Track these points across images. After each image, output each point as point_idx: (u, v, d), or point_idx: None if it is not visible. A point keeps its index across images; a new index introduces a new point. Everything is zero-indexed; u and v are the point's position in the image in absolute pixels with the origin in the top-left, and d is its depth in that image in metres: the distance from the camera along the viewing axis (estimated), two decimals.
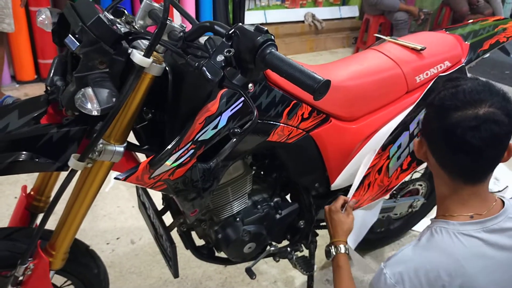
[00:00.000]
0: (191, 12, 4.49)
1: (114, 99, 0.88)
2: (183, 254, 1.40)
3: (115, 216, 2.31)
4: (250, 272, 1.53)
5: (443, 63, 1.54)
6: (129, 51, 0.94)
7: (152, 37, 0.90)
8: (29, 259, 1.10)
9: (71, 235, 1.13)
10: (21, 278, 1.13)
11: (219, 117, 1.08)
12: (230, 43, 0.88)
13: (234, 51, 0.86)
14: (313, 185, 1.48)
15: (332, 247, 1.33)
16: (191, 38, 0.98)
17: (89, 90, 0.87)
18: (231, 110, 1.10)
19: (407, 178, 1.85)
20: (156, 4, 1.12)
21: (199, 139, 1.07)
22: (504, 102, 0.98)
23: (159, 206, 1.53)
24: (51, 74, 1.05)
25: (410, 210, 1.98)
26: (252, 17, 4.96)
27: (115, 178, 1.02)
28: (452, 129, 0.98)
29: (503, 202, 1.08)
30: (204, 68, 0.87)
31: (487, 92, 0.99)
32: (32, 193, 1.30)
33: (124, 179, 1.03)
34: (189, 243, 1.52)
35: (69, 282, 1.33)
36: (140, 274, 1.96)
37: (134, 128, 1.17)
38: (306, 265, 1.59)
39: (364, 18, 5.39)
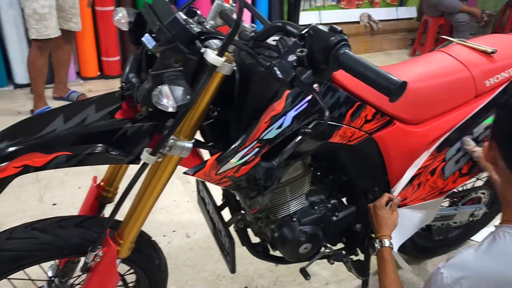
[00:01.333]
0: (247, 13, 4.55)
1: (188, 97, 0.91)
2: (236, 250, 1.43)
3: (171, 210, 2.38)
4: (304, 273, 1.53)
5: None
6: (202, 50, 0.97)
7: (225, 37, 0.92)
8: (99, 247, 1.16)
9: (138, 226, 1.18)
10: (90, 264, 1.18)
11: (284, 116, 1.10)
12: (302, 43, 0.88)
13: (307, 51, 0.87)
14: (372, 189, 1.46)
15: (377, 241, 1.34)
16: (261, 38, 1.00)
17: (166, 88, 0.90)
18: (296, 110, 1.11)
19: (469, 185, 1.79)
20: (226, 5, 1.15)
21: (264, 138, 1.08)
22: None
23: (218, 202, 1.57)
24: (126, 71, 1.11)
25: (471, 219, 1.90)
26: (307, 18, 4.94)
27: (184, 173, 1.06)
28: None
29: None
30: (275, 68, 0.88)
31: None
32: (102, 184, 1.37)
33: (193, 174, 1.06)
34: (245, 240, 1.54)
35: (131, 271, 1.38)
36: (194, 267, 2.01)
37: (200, 125, 1.20)
38: (361, 269, 1.57)
39: (422, 19, 5.23)
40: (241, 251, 1.56)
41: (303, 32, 0.89)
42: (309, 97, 1.12)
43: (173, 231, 2.23)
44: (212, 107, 1.15)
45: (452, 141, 1.43)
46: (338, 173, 1.46)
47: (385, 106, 1.29)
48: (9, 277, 1.18)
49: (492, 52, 1.46)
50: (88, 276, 1.21)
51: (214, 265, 2.02)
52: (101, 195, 1.37)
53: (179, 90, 0.91)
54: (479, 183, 1.91)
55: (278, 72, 0.88)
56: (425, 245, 1.98)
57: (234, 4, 1.17)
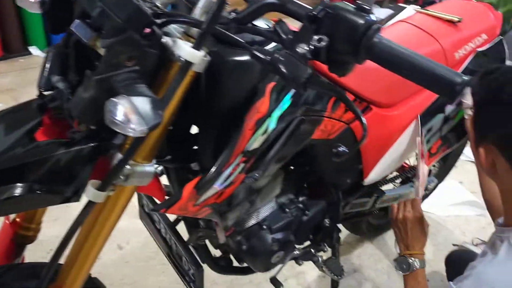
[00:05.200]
0: None
1: (160, 112, 0.63)
2: None
3: None
4: (276, 283, 1.36)
5: (480, 36, 1.38)
6: (165, 40, 0.69)
7: (205, 23, 0.65)
8: None
9: (85, 273, 0.89)
10: None
11: (269, 118, 0.86)
12: (314, 28, 0.65)
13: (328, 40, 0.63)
14: (345, 181, 1.30)
15: (412, 260, 1.18)
16: (246, 20, 0.73)
17: (126, 101, 0.61)
18: (281, 109, 0.89)
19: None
20: None
21: (249, 150, 0.84)
22: None
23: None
24: (46, 73, 0.78)
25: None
26: None
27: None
28: None
29: None
30: (280, 64, 0.64)
31: None
32: (18, 220, 1.02)
33: (165, 211, 0.79)
34: (205, 256, 1.31)
35: None
36: (134, 285, 1.74)
37: None
38: (335, 268, 1.43)
39: None
40: None
41: (316, 13, 0.65)
42: (293, 91, 0.90)
43: None
44: None
45: (425, 121, 1.31)
46: (307, 168, 1.27)
47: (362, 90, 1.13)
48: None
49: (458, 21, 1.35)
50: None
51: (158, 279, 1.76)
52: (18, 234, 1.02)
53: (146, 104, 0.62)
54: None
55: (285, 70, 0.64)
56: (379, 223, 1.92)
57: None
